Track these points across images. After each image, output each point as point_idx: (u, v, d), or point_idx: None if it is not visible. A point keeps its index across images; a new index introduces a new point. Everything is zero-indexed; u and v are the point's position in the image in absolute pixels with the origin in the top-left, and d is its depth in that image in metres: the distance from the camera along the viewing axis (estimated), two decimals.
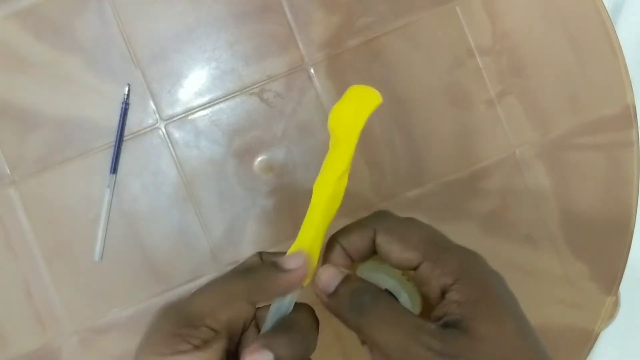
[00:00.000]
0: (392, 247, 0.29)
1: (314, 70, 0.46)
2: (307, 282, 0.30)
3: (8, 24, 0.46)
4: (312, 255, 0.30)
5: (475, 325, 0.26)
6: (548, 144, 0.47)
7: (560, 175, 0.47)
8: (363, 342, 0.31)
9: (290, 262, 0.29)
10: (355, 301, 0.28)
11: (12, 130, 0.46)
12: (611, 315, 0.48)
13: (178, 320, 0.26)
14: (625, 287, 0.48)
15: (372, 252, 0.31)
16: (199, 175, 0.46)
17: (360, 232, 0.31)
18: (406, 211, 0.30)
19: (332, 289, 0.29)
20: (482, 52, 0.47)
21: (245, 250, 0.46)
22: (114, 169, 0.46)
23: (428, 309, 0.30)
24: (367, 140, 0.47)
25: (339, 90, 0.46)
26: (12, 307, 0.46)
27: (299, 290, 0.29)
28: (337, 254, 0.31)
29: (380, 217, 0.31)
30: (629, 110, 0.47)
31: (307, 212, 0.30)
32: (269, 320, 0.28)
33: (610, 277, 0.48)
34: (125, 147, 0.46)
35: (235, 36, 0.46)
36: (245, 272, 0.29)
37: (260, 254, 0.31)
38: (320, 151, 0.46)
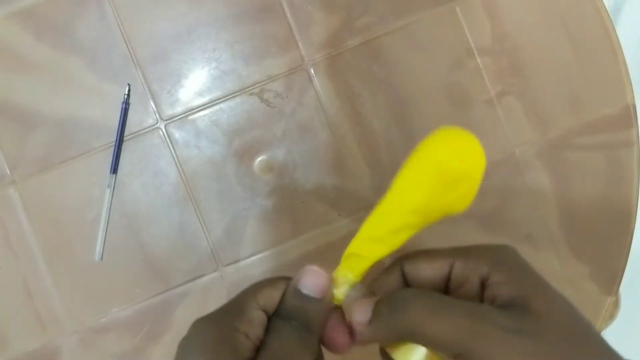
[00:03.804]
0: (420, 265, 0.29)
1: (314, 70, 0.46)
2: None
3: (8, 24, 0.46)
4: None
5: (533, 302, 0.25)
6: (548, 144, 0.47)
7: (560, 175, 0.47)
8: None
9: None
10: (396, 301, 0.26)
11: (12, 130, 0.46)
12: (611, 316, 0.48)
13: None
14: (625, 287, 0.48)
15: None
16: (199, 175, 0.46)
17: (386, 275, 0.30)
18: None
19: (369, 314, 0.27)
20: (482, 52, 0.47)
21: (245, 250, 0.46)
22: (114, 169, 0.46)
23: None
24: (367, 140, 0.47)
25: (339, 90, 0.46)
26: (12, 307, 0.46)
27: None
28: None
29: (401, 256, 0.30)
30: (629, 110, 0.47)
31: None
32: None
33: (610, 277, 0.48)
34: (126, 147, 0.46)
35: (235, 36, 0.46)
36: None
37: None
38: (320, 151, 0.46)
